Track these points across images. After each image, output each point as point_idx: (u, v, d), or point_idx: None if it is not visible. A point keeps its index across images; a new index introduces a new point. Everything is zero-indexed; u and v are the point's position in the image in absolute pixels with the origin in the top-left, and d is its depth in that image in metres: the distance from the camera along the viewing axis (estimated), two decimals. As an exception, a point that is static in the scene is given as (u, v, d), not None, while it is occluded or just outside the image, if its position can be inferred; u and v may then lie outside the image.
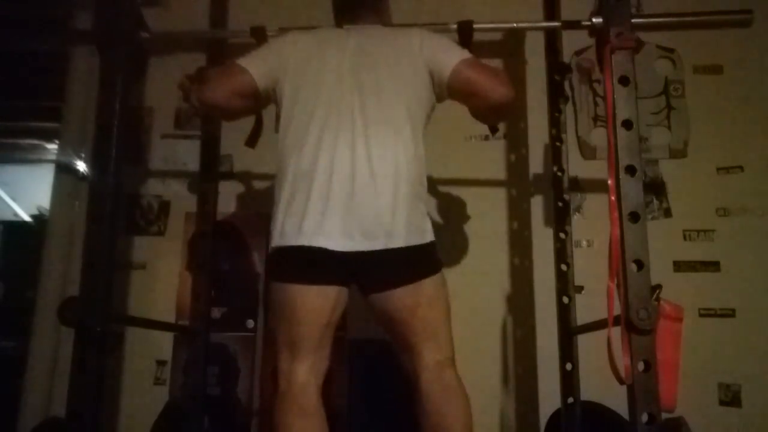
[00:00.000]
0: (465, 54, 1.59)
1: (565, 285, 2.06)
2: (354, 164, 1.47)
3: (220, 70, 1.69)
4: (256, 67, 1.61)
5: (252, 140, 1.86)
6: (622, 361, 1.42)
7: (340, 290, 1.50)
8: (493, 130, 1.87)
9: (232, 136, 2.33)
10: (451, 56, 1.58)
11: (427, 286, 1.50)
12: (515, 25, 2.21)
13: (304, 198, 1.46)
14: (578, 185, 2.35)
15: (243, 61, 1.62)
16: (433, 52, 1.59)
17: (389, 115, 1.53)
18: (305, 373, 1.49)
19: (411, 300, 1.48)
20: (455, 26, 1.90)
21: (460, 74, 1.55)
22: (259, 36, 1.88)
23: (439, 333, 1.51)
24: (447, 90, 1.58)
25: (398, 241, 1.45)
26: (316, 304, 1.48)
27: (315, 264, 1.46)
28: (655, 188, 2.38)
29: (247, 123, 2.41)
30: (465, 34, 1.88)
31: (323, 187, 1.46)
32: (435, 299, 1.51)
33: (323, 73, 1.57)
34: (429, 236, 1.52)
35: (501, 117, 1.88)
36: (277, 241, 1.49)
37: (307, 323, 1.48)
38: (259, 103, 1.68)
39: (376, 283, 1.49)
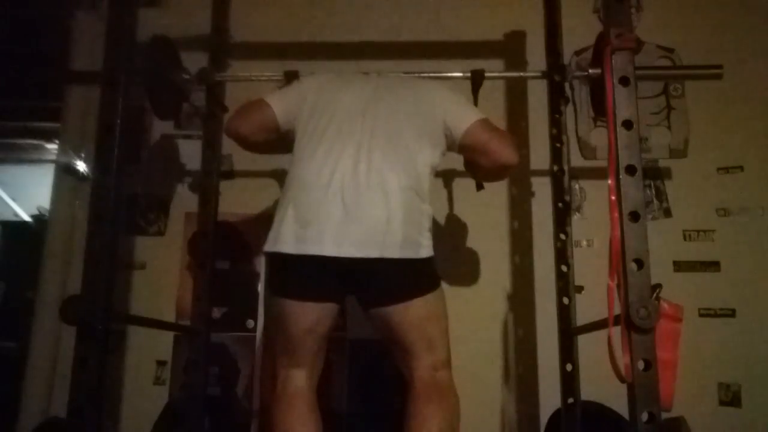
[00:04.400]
0: (480, 115, 1.68)
1: (565, 285, 2.06)
2: (355, 177, 1.51)
3: (248, 105, 1.78)
4: (279, 102, 1.72)
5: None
6: (623, 360, 1.42)
7: (333, 307, 1.54)
8: (479, 186, 1.98)
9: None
10: (467, 115, 1.67)
11: (423, 303, 1.53)
12: (521, 74, 2.36)
13: (303, 206, 1.50)
14: (578, 185, 2.36)
15: (268, 98, 1.74)
16: (451, 107, 1.68)
17: (397, 143, 1.59)
18: (301, 378, 1.55)
19: (407, 317, 1.51)
20: (468, 75, 2.06)
21: (473, 134, 1.64)
22: (291, 78, 2.01)
23: (435, 343, 1.55)
24: (458, 146, 1.67)
25: (393, 252, 1.47)
26: (310, 320, 1.52)
27: (310, 277, 1.50)
28: (655, 188, 2.39)
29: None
30: (476, 82, 2.05)
31: (322, 196, 1.50)
32: (432, 316, 1.55)
33: (339, 105, 1.65)
34: (425, 252, 1.53)
35: (501, 177, 1.96)
36: (271, 245, 1.52)
37: (301, 337, 1.53)
38: (281, 138, 1.75)
39: (372, 296, 1.52)
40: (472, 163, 1.79)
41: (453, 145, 1.67)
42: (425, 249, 1.53)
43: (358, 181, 1.50)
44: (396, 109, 1.64)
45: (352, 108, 1.64)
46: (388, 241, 1.47)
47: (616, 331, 1.44)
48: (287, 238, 1.49)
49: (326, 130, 1.60)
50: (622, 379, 1.41)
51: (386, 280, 1.50)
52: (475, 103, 1.96)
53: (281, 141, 1.75)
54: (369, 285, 1.51)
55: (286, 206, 1.53)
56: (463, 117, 1.67)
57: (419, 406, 1.48)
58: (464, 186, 2.35)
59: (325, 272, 1.48)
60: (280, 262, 1.52)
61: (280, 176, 2.31)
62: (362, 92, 1.68)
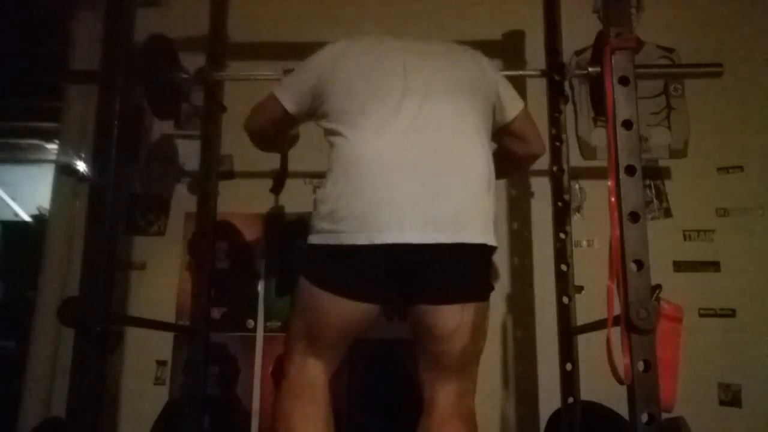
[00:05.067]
0: (523, 103, 1.69)
1: (565, 285, 2.06)
2: (432, 156, 1.39)
3: (259, 104, 1.67)
4: (288, 94, 1.58)
5: (277, 187, 1.95)
6: (622, 361, 1.42)
7: (378, 308, 1.44)
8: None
9: (232, 136, 2.34)
10: (517, 102, 1.68)
11: (475, 312, 1.43)
12: (520, 72, 2.31)
13: (374, 190, 1.35)
14: (578, 185, 2.36)
15: (277, 90, 1.60)
16: (503, 84, 1.67)
17: (463, 118, 1.49)
18: (318, 367, 1.46)
19: (456, 321, 1.40)
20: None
21: (521, 122, 1.67)
22: None
23: (471, 366, 1.48)
24: (503, 129, 1.66)
25: (472, 236, 1.38)
26: (353, 318, 1.42)
27: (369, 272, 1.38)
28: (655, 188, 2.39)
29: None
30: None
31: (398, 179, 1.36)
32: (479, 330, 1.45)
33: (381, 75, 1.50)
34: (494, 240, 1.45)
35: (526, 167, 2.03)
36: (323, 238, 1.39)
37: (333, 333, 1.44)
38: (296, 123, 1.69)
39: (430, 288, 1.40)
40: (505, 148, 1.73)
41: (496, 125, 1.62)
42: (494, 237, 1.45)
43: (435, 160, 1.39)
44: (450, 77, 1.52)
45: (397, 78, 1.47)
46: (470, 224, 1.38)
47: (615, 333, 1.44)
48: (355, 228, 1.34)
49: (375, 103, 1.44)
50: (620, 381, 1.41)
51: (454, 269, 1.39)
52: None
53: (293, 125, 1.72)
54: (431, 274, 1.38)
55: (351, 190, 1.37)
56: (515, 101, 1.67)
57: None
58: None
59: (386, 265, 1.36)
60: (336, 253, 1.37)
61: (279, 176, 2.30)
62: (402, 59, 1.52)
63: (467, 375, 1.48)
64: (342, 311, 1.41)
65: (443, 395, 1.45)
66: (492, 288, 1.53)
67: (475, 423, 1.47)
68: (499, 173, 1.57)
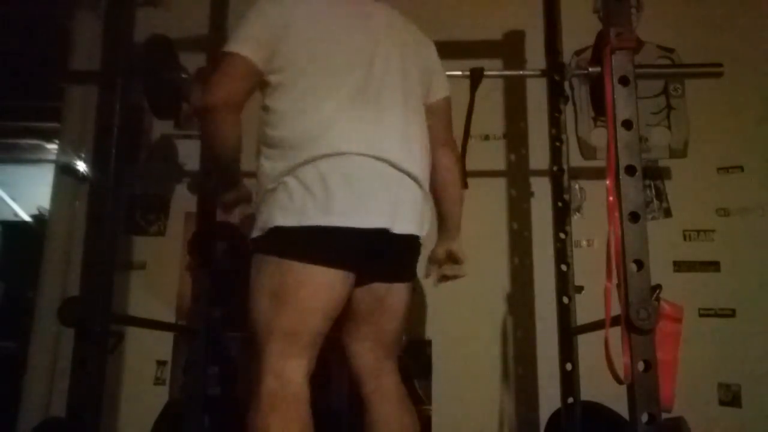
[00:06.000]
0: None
1: (565, 285, 2.06)
2: (400, 144, 1.41)
3: (219, 71, 1.42)
4: (252, 47, 1.41)
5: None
6: (622, 361, 1.42)
7: (352, 278, 1.39)
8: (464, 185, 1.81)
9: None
10: (445, 86, 1.64)
11: (410, 289, 1.51)
12: (520, 72, 2.33)
13: (348, 174, 1.34)
14: (578, 185, 2.36)
15: (235, 47, 1.40)
16: (438, 70, 1.63)
17: (415, 101, 1.51)
18: (300, 372, 1.31)
19: (404, 298, 1.48)
20: (467, 73, 2.04)
21: (441, 107, 1.61)
22: None
23: (399, 343, 1.53)
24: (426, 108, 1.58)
25: (424, 229, 1.45)
26: (336, 290, 1.35)
27: (343, 245, 1.34)
28: (655, 188, 2.39)
29: (250, 124, 2.42)
30: (474, 79, 2.02)
31: (370, 164, 1.36)
32: (408, 307, 1.51)
33: (346, 46, 1.44)
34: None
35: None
36: (309, 218, 1.32)
37: (317, 312, 1.33)
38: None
39: (383, 269, 1.44)
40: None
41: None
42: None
43: (401, 147, 1.40)
44: (407, 62, 1.51)
45: (362, 52, 1.44)
46: (424, 218, 1.45)
47: (613, 333, 1.44)
48: (336, 209, 1.31)
49: (337, 72, 1.40)
50: (619, 381, 1.41)
51: (402, 252, 1.45)
52: (472, 102, 1.94)
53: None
54: (387, 256, 1.41)
55: (323, 172, 1.33)
56: (443, 85, 1.63)
57: (396, 415, 1.43)
58: (464, 186, 2.35)
59: (358, 241, 1.34)
60: (307, 232, 1.33)
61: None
62: (367, 35, 1.47)
63: (396, 352, 1.53)
64: (330, 280, 1.34)
65: (389, 380, 1.47)
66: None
67: (406, 396, 1.49)
68: None
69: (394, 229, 1.36)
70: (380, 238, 1.36)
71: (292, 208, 1.35)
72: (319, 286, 1.34)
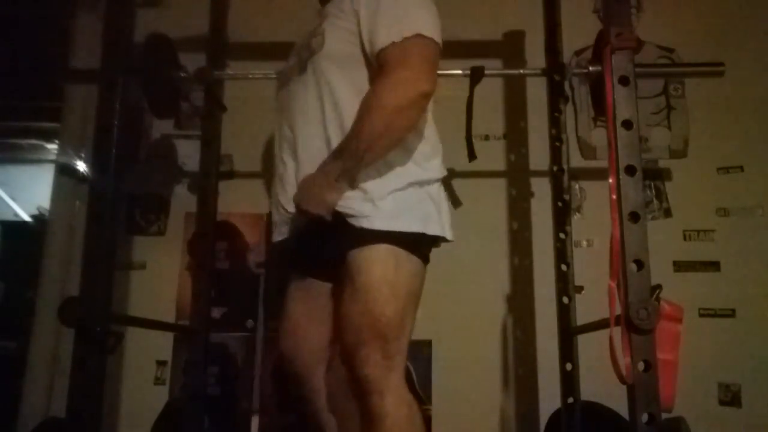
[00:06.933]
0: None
1: (565, 285, 2.06)
2: None
3: (424, 58, 1.39)
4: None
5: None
6: (623, 361, 1.42)
7: None
8: (471, 156, 1.82)
9: (232, 136, 2.34)
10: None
11: None
12: (521, 72, 2.33)
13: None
14: (578, 185, 2.36)
15: (434, 33, 1.44)
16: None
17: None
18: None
19: None
20: (468, 72, 1.97)
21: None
22: None
23: None
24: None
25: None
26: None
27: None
28: (655, 188, 2.39)
29: (247, 123, 2.42)
30: (475, 78, 1.96)
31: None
32: None
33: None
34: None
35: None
36: (437, 229, 1.37)
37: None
38: None
39: None
40: None
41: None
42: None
43: None
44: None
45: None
46: None
47: (617, 332, 1.44)
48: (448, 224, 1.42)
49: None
50: (623, 380, 1.41)
51: None
52: (471, 101, 1.93)
53: None
54: None
55: (439, 190, 1.43)
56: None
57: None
58: (463, 186, 2.35)
59: None
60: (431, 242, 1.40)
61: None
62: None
63: None
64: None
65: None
66: None
67: None
68: None
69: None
70: None
71: (437, 219, 1.39)
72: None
